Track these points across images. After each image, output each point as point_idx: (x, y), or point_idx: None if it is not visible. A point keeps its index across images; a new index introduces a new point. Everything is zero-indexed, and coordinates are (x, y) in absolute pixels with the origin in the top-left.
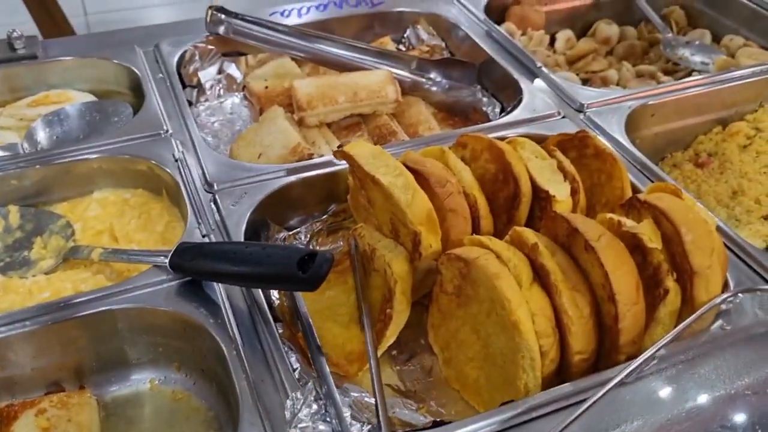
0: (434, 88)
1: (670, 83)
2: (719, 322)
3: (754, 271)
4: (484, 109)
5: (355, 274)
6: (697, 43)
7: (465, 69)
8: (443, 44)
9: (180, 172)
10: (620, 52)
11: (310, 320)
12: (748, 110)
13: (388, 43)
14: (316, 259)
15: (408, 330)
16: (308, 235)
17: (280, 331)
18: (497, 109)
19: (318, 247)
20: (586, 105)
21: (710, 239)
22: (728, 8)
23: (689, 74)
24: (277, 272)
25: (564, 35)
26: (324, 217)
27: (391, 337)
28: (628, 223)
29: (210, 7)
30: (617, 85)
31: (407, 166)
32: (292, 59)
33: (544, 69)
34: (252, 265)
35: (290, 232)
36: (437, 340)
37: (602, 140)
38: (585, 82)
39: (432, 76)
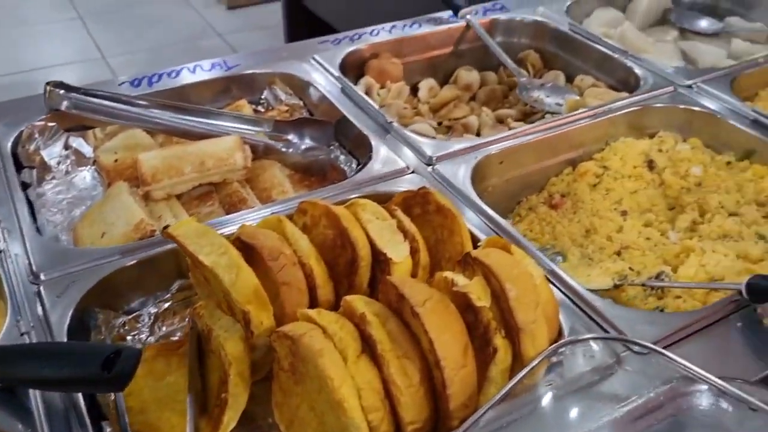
0: (290, 150)
1: (520, 128)
2: (550, 376)
3: (589, 316)
4: (342, 166)
5: (188, 357)
6: (549, 85)
7: (321, 128)
8: (301, 103)
9: (2, 264)
10: (482, 98)
11: (127, 419)
12: (596, 149)
13: (244, 106)
14: (122, 356)
15: (259, 407)
16: (152, 317)
17: (109, 430)
18: (354, 166)
19: (164, 328)
20: (434, 158)
21: (535, 293)
22: (578, 50)
23: (544, 116)
24: (80, 375)
25: (426, 84)
26: (168, 295)
27: (230, 422)
28: (460, 281)
29: (48, 83)
30: (478, 130)
31: (241, 240)
32: (144, 129)
33: (394, 124)
34: (53, 369)
35: (130, 316)
36: (282, 418)
37: (448, 194)
38: (449, 129)
39: (290, 137)
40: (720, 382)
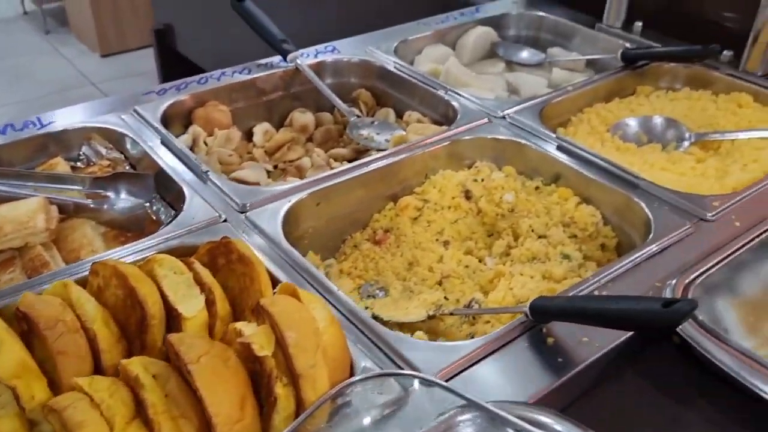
0: (105, 206)
1: (339, 167)
2: (335, 418)
3: (384, 353)
4: (163, 218)
5: None
6: (377, 122)
7: (141, 181)
8: (122, 157)
9: None
10: (318, 138)
11: None
12: (417, 183)
13: (58, 164)
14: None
15: None
16: None
17: None
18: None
19: None
20: (248, 205)
21: (316, 337)
22: (403, 87)
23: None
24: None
25: (261, 128)
26: None
27: None
28: (247, 331)
29: None
30: (311, 170)
31: (19, 310)
32: None
33: (210, 173)
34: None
35: None
36: None
37: (260, 240)
38: (284, 172)
39: (108, 192)
40: (490, 407)
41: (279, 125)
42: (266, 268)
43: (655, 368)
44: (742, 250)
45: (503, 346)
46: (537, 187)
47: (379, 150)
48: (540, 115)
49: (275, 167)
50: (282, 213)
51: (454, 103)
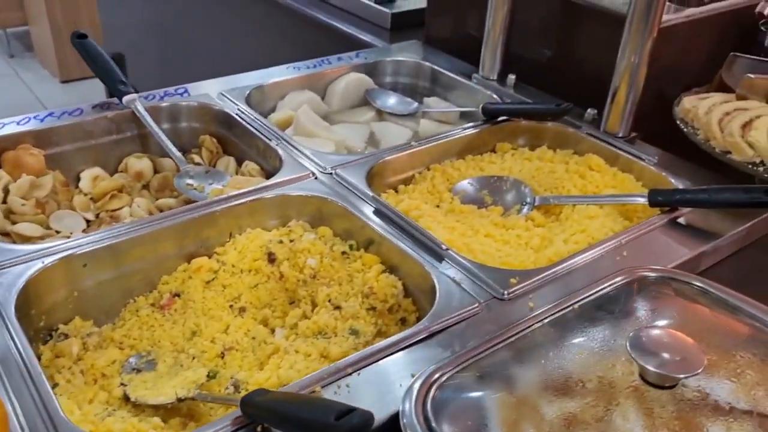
0: None
1: (121, 224)
2: None
3: None
4: None
5: None
6: (210, 172)
7: None
8: None
9: None
10: (156, 186)
11: None
12: (220, 243)
13: None
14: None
15: None
16: None
17: None
18: None
19: None
20: None
21: None
22: (243, 135)
23: None
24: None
25: (90, 173)
26: None
27: None
28: None
29: None
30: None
31: None
32: None
33: None
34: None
35: None
36: None
37: None
38: (103, 222)
39: None
40: None
41: (114, 171)
42: None
43: None
44: (516, 338)
45: None
46: (344, 252)
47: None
48: (368, 173)
49: (97, 216)
50: (22, 280)
51: (284, 156)
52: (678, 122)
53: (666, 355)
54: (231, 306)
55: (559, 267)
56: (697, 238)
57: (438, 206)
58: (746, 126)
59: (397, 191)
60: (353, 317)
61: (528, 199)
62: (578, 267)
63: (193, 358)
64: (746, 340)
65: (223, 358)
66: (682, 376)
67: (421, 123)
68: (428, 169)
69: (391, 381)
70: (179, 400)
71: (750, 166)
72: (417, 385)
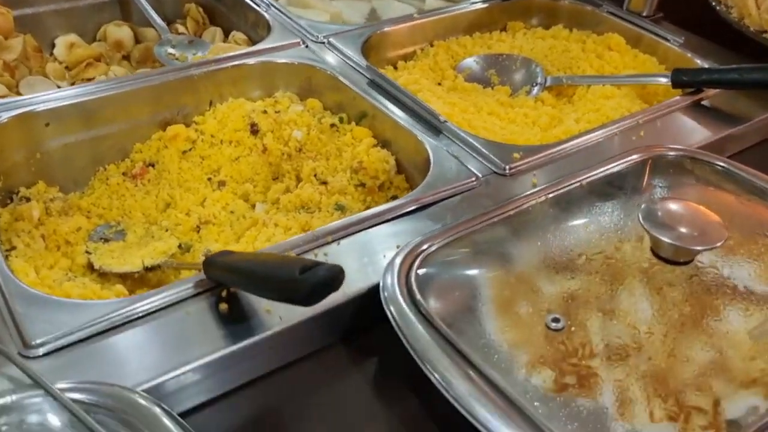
0: None
1: (105, 82)
2: None
3: None
4: None
5: None
6: (194, 42)
7: None
8: None
9: None
10: (137, 56)
11: None
12: (199, 112)
13: None
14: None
15: None
16: None
17: None
18: None
19: None
20: None
21: None
22: (234, 5)
23: None
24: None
25: (65, 40)
26: None
27: None
28: None
29: None
30: None
31: None
32: None
33: None
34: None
35: None
36: None
37: None
38: None
39: None
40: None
41: (93, 39)
42: None
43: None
44: (515, 212)
45: (164, 308)
46: (333, 125)
47: None
48: (364, 44)
49: (72, 85)
50: None
51: (271, 22)
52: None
53: (682, 228)
54: (209, 179)
55: (568, 144)
56: (722, 122)
57: (439, 84)
58: None
59: (396, 68)
60: (340, 192)
61: (539, 79)
62: (590, 145)
63: (166, 230)
64: None
65: (198, 231)
66: (699, 248)
67: (428, 0)
68: (431, 46)
69: (375, 251)
70: (146, 269)
71: None
72: (401, 257)
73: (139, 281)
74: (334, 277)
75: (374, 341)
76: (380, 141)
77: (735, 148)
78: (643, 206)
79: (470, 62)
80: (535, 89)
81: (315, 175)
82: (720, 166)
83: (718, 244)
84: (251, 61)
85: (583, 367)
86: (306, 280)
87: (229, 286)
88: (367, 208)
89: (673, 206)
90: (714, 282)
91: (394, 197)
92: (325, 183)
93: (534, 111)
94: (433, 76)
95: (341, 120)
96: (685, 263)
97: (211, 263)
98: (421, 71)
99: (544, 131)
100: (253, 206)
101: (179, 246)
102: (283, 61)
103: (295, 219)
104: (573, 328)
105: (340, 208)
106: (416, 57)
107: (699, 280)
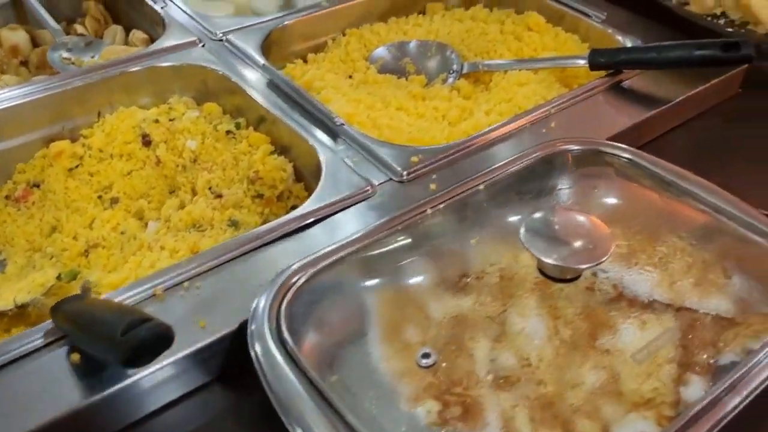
0: None
1: None
2: None
3: None
4: None
5: None
6: (91, 44)
7: None
8: None
9: None
10: (35, 61)
11: None
12: (88, 124)
13: None
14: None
15: None
16: None
17: None
18: None
19: None
20: None
21: None
22: (133, 2)
23: None
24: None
25: None
26: None
27: None
28: None
29: None
30: None
31: None
32: None
33: None
34: None
35: None
36: None
37: None
38: None
39: None
40: None
41: None
42: None
43: None
44: (406, 225)
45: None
46: (229, 132)
47: None
48: (265, 40)
49: None
50: None
51: (164, 18)
52: None
53: (566, 244)
54: (100, 197)
55: (472, 142)
56: (642, 105)
57: (351, 77)
58: None
59: (306, 61)
60: (235, 206)
61: (455, 66)
62: (495, 142)
63: (52, 258)
64: (678, 222)
65: (87, 256)
66: (583, 266)
67: None
68: (344, 35)
69: (250, 281)
70: (18, 306)
71: (709, 19)
72: (271, 289)
73: (16, 318)
74: (160, 337)
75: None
76: (278, 147)
77: (655, 132)
78: (526, 220)
79: (383, 51)
80: (451, 77)
81: (210, 188)
82: (625, 158)
83: (603, 260)
84: (136, 66)
85: (469, 397)
86: (125, 342)
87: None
88: (265, 221)
89: (558, 218)
90: (610, 294)
91: (294, 207)
92: (220, 196)
93: (445, 103)
94: (344, 68)
95: (238, 126)
96: (573, 279)
97: (57, 311)
98: (332, 63)
99: (453, 126)
100: (147, 225)
101: (58, 277)
102: (169, 64)
103: (184, 240)
104: (454, 357)
105: (234, 225)
106: (327, 48)
107: (594, 294)
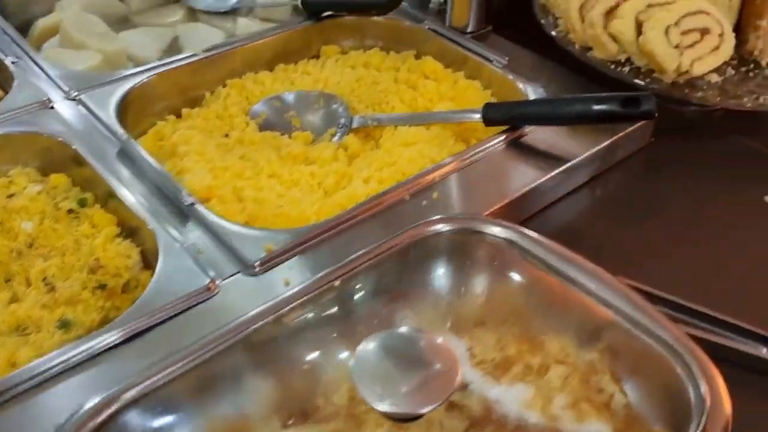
0: None
1: None
2: None
3: None
4: None
5: None
6: None
7: None
8: None
9: None
10: None
11: None
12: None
13: None
14: None
15: None
16: None
17: None
18: None
19: None
20: None
21: None
22: None
23: None
24: None
25: None
26: None
27: None
28: None
29: None
30: None
31: None
32: None
33: None
34: None
35: None
36: None
37: None
38: None
39: None
40: None
41: None
42: None
43: None
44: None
45: None
46: (71, 210)
47: None
48: (125, 97)
49: None
50: None
51: (15, 74)
52: (535, 10)
53: (404, 378)
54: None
55: (340, 221)
56: (542, 165)
57: (227, 135)
58: (610, 13)
59: (180, 116)
60: (69, 302)
61: (343, 120)
62: (366, 219)
63: None
64: (562, 317)
65: None
66: (421, 411)
67: (239, 22)
68: (224, 85)
69: (47, 419)
70: None
71: (612, 66)
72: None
73: None
74: None
75: None
76: (126, 229)
77: (557, 193)
78: (357, 352)
79: (264, 105)
80: (339, 133)
81: (45, 279)
82: (502, 239)
83: (445, 399)
84: None
85: None
86: None
87: None
88: (105, 317)
89: (395, 343)
90: (480, 418)
91: None
92: (53, 289)
93: (324, 168)
94: (220, 125)
95: (83, 203)
96: (416, 418)
97: None
98: (206, 120)
99: (329, 196)
100: None
101: None
102: (8, 131)
103: (3, 346)
104: None
105: (65, 326)
106: (205, 101)
107: (456, 418)
